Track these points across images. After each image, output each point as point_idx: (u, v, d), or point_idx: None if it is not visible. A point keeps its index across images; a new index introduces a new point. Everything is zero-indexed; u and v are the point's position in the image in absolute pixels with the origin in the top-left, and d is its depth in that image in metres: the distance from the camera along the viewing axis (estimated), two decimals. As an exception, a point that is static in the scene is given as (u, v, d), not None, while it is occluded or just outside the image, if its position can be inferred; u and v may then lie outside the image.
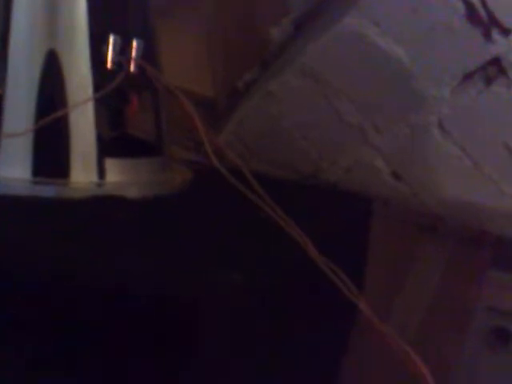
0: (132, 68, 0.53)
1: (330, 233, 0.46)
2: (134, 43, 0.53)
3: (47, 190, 0.49)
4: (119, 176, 0.52)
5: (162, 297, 0.35)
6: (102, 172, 0.51)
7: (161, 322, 0.36)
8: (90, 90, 0.51)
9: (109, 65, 0.52)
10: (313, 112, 0.85)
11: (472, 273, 0.83)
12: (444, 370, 0.77)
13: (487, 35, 0.74)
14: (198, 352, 0.36)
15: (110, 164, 0.52)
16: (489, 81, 0.77)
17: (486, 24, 0.74)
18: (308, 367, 0.49)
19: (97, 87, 0.51)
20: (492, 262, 0.83)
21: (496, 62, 0.76)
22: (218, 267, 0.39)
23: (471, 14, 0.74)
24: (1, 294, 0.39)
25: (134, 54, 0.53)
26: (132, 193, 0.52)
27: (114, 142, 0.55)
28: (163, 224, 0.48)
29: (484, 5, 0.74)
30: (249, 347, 0.40)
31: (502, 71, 0.77)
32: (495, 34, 0.75)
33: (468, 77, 0.77)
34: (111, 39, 0.52)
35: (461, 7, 0.75)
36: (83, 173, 0.51)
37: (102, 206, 0.48)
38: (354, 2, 0.78)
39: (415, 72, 0.78)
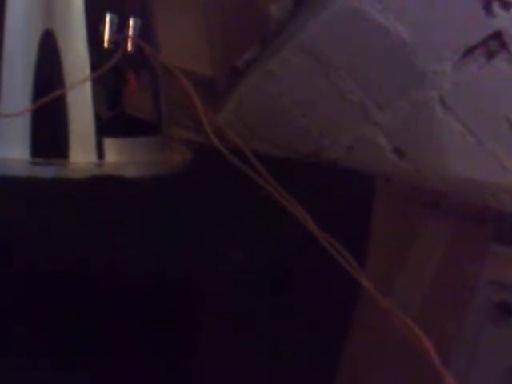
0: (129, 47, 0.52)
1: (331, 210, 0.45)
2: (131, 22, 0.53)
3: (46, 171, 0.49)
4: (118, 156, 0.52)
5: (162, 274, 0.35)
6: (100, 152, 0.51)
7: (160, 300, 0.36)
8: (87, 70, 0.51)
9: (106, 44, 0.52)
10: (313, 90, 0.84)
11: (475, 248, 0.84)
12: (446, 345, 0.78)
13: (488, 9, 0.74)
14: (198, 330, 0.36)
15: (109, 144, 0.52)
16: (490, 55, 0.77)
17: (486, -3, 0.74)
18: (310, 344, 0.50)
19: (94, 67, 0.51)
20: (494, 237, 0.83)
21: (497, 36, 0.76)
22: (217, 245, 0.39)
23: (471, -12, 0.74)
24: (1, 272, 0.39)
25: (130, 32, 0.53)
26: (131, 172, 0.52)
27: (113, 121, 0.55)
28: (162, 203, 0.48)
29: (484, -22, 0.74)
30: (249, 325, 0.40)
31: (504, 45, 0.77)
32: (496, 8, 0.74)
33: (469, 52, 0.77)
34: (108, 18, 0.52)
35: (462, -19, 0.74)
36: (82, 153, 0.50)
37: (102, 185, 0.48)
38: None
39: (416, 48, 0.78)
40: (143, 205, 0.47)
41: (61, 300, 0.38)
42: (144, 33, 0.54)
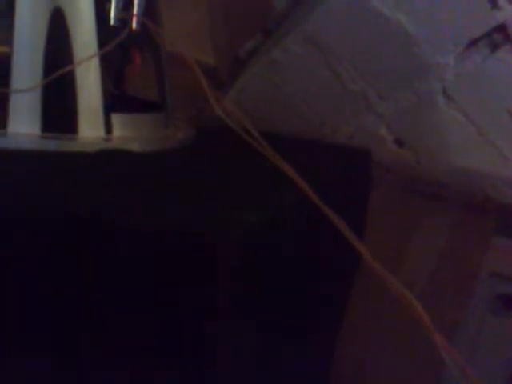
0: (134, 25, 0.56)
1: (329, 182, 0.48)
2: (136, 0, 0.56)
3: (56, 145, 0.52)
4: (124, 131, 0.56)
5: (177, 234, 0.38)
6: (108, 127, 0.54)
7: (177, 260, 0.39)
8: (94, 47, 0.54)
9: (112, 21, 0.55)
10: (315, 79, 0.87)
11: (476, 239, 0.86)
12: (447, 336, 0.80)
13: (493, 1, 0.76)
14: (212, 290, 0.39)
15: (116, 119, 0.55)
16: (494, 48, 0.79)
17: (492, -10, 0.76)
18: (314, 311, 0.53)
19: (101, 44, 0.54)
20: (496, 229, 0.85)
21: (502, 28, 0.78)
22: (229, 207, 0.42)
23: (477, -20, 0.76)
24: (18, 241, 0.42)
25: (136, 10, 0.56)
26: (137, 147, 0.56)
27: (119, 98, 0.58)
28: (170, 173, 0.51)
29: (490, -30, 0.76)
30: (261, 287, 0.43)
31: (508, 38, 0.79)
32: (501, 1, 0.76)
33: (473, 43, 0.79)
34: None
35: (465, -27, 0.77)
36: (90, 128, 0.54)
37: (110, 158, 0.52)
38: None
39: (419, 39, 0.80)
40: (152, 175, 0.50)
41: (77, 261, 0.41)
42: (149, 12, 0.57)
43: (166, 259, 0.39)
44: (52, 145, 0.52)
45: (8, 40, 0.52)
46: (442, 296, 0.86)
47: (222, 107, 0.56)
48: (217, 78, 0.94)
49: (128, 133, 0.56)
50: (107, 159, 0.51)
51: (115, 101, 0.56)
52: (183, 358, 0.40)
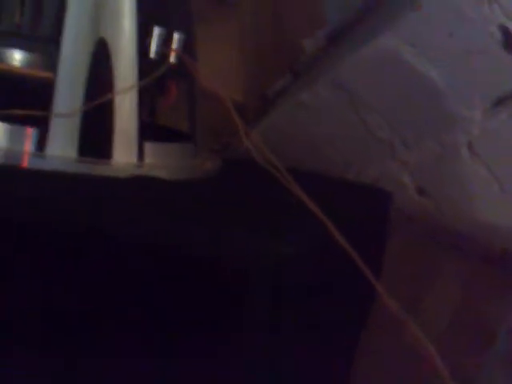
0: (172, 59, 0.60)
1: (349, 220, 0.52)
2: (176, 36, 0.61)
3: (91, 169, 0.57)
4: (155, 159, 0.60)
5: (207, 259, 0.42)
6: (140, 154, 0.59)
7: (204, 285, 0.42)
8: (134, 78, 0.59)
9: (152, 55, 0.60)
10: (342, 123, 0.91)
11: (494, 293, 0.88)
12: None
13: (523, 61, 0.80)
14: (246, 317, 0.43)
15: (149, 147, 0.60)
16: (521, 106, 0.82)
17: (522, 51, 0.80)
18: (331, 341, 0.57)
19: (140, 75, 0.59)
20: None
21: (530, 87, 0.82)
22: (259, 237, 0.46)
23: (508, 41, 0.81)
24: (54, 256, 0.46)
25: (175, 46, 0.61)
26: (167, 175, 0.60)
27: (150, 127, 0.63)
28: (199, 201, 0.55)
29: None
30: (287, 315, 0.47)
31: (535, 98, 0.83)
32: (530, 61, 0.80)
33: (500, 101, 0.83)
34: (155, 31, 0.60)
35: (497, 34, 0.81)
36: (124, 154, 0.58)
37: (142, 184, 0.56)
38: (391, 21, 0.86)
39: (448, 93, 0.85)
40: (181, 202, 0.54)
41: (119, 292, 0.45)
42: (186, 47, 0.62)
43: (194, 284, 0.43)
44: (87, 168, 0.56)
45: (53, 66, 0.57)
46: (458, 350, 0.88)
47: (250, 140, 0.60)
48: (243, 115, 0.99)
49: (158, 161, 0.60)
50: (138, 185, 0.56)
51: (147, 129, 0.60)
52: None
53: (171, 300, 0.44)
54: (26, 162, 0.57)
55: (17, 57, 0.60)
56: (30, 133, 0.57)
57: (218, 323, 0.43)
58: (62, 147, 0.56)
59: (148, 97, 0.62)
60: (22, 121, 0.57)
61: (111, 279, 0.46)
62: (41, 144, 0.57)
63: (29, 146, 0.57)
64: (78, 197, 0.50)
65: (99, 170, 0.57)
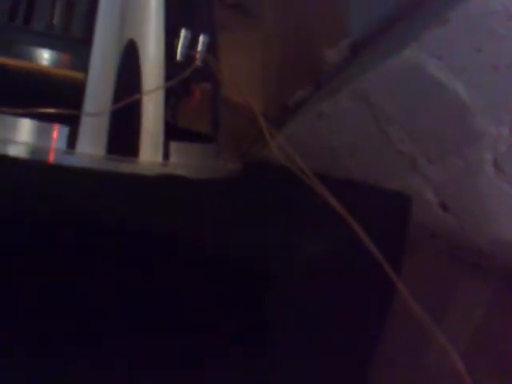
0: (198, 61, 0.66)
1: (371, 222, 0.57)
2: (201, 38, 0.67)
3: (119, 166, 0.62)
4: (180, 158, 0.66)
5: (238, 258, 0.47)
6: (166, 153, 0.64)
7: (236, 284, 0.47)
8: (161, 79, 0.64)
9: (178, 56, 0.65)
10: (363, 135, 0.95)
11: (515, 316, 0.92)
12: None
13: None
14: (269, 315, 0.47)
15: (174, 147, 0.65)
16: (550, 122, 0.86)
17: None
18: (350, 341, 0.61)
19: (167, 77, 0.64)
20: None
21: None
22: (289, 236, 0.51)
23: (538, 56, 0.85)
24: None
25: (200, 48, 0.66)
26: (192, 174, 0.66)
27: (176, 127, 0.68)
28: (229, 201, 0.60)
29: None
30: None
31: None
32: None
33: (528, 117, 0.86)
34: (182, 33, 0.65)
35: (527, 50, 0.84)
36: (150, 153, 0.63)
37: (168, 183, 0.61)
38: (416, 34, 0.90)
39: (473, 108, 0.88)
40: (208, 201, 0.59)
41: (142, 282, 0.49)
42: (210, 51, 0.68)
43: (225, 283, 0.47)
44: (114, 166, 0.62)
45: (83, 66, 0.62)
46: (477, 371, 0.91)
47: (276, 142, 0.65)
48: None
49: (183, 160, 0.66)
50: (165, 183, 0.61)
51: (175, 128, 0.65)
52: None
53: (203, 299, 0.48)
54: (52, 158, 0.62)
55: (48, 56, 0.66)
56: (57, 129, 0.62)
57: (251, 320, 0.47)
58: (91, 145, 0.61)
59: (173, 98, 0.67)
60: (53, 119, 0.62)
61: (141, 277, 0.50)
62: (71, 142, 0.62)
63: (55, 142, 0.62)
64: (106, 193, 0.55)
65: (126, 167, 0.62)
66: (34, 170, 0.60)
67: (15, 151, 0.62)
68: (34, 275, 0.50)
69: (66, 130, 0.62)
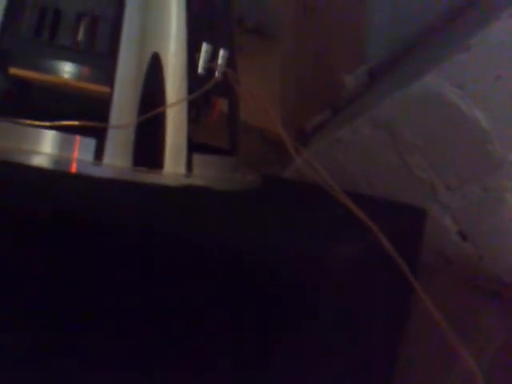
0: (218, 75, 0.72)
1: (390, 232, 0.62)
2: (221, 52, 0.73)
3: (145, 178, 0.67)
4: (202, 170, 0.71)
5: (280, 260, 0.51)
6: (189, 165, 0.70)
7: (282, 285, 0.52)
8: (184, 92, 0.69)
9: (200, 70, 0.71)
10: (381, 162, 1.00)
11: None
12: None
13: None
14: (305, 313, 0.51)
15: (197, 159, 0.70)
16: None
17: None
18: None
19: (189, 90, 0.70)
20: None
21: None
22: (321, 239, 0.56)
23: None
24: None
25: (220, 61, 0.73)
26: (215, 185, 0.71)
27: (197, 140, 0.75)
28: (257, 209, 0.66)
29: None
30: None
31: None
32: None
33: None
34: (204, 47, 0.71)
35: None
36: (174, 165, 0.69)
37: (192, 193, 0.67)
38: (437, 61, 0.95)
39: (494, 136, 0.94)
40: (238, 209, 0.65)
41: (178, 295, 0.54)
42: (229, 65, 0.74)
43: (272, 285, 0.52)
44: (140, 177, 0.67)
45: (108, 80, 0.68)
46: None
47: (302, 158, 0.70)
48: (281, 147, 1.09)
49: (205, 172, 0.71)
50: (191, 193, 0.67)
51: (197, 141, 0.71)
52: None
53: (240, 305, 0.52)
54: (75, 169, 0.67)
55: (73, 70, 0.72)
56: (79, 141, 0.68)
57: (289, 323, 0.52)
58: (117, 157, 0.67)
59: (194, 112, 0.73)
60: (78, 132, 0.67)
61: (171, 284, 0.54)
62: (98, 154, 0.67)
63: (78, 153, 0.68)
64: (134, 202, 0.61)
65: (152, 179, 0.68)
66: (57, 179, 0.65)
67: (40, 161, 0.67)
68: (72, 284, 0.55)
69: (92, 142, 0.67)
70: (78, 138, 0.68)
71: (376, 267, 0.60)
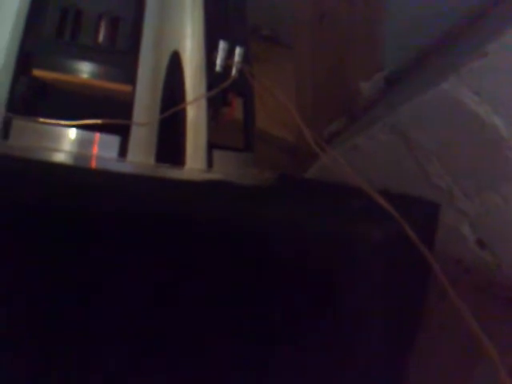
0: (235, 72, 0.78)
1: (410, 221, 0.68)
2: (237, 50, 0.79)
3: (169, 173, 0.73)
4: (222, 166, 0.77)
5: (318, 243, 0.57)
6: (210, 161, 0.76)
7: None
8: (203, 89, 0.76)
9: (218, 67, 0.77)
10: (398, 169, 1.04)
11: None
12: None
13: None
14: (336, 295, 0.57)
15: (217, 155, 0.77)
16: None
17: None
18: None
19: (208, 87, 0.76)
20: None
21: None
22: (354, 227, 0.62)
23: None
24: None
25: (237, 59, 0.79)
26: (237, 180, 0.77)
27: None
28: (283, 199, 0.71)
29: None
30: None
31: None
32: None
33: None
34: (221, 45, 0.77)
35: None
36: (195, 161, 0.74)
37: (216, 187, 0.72)
38: (455, 68, 0.98)
39: (512, 143, 0.96)
40: (267, 199, 0.70)
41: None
42: (245, 61, 0.80)
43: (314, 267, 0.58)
44: (164, 173, 0.73)
45: (129, 78, 0.74)
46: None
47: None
48: (296, 155, 1.15)
49: (225, 168, 0.77)
50: (217, 186, 0.72)
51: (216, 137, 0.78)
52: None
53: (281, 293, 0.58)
54: (94, 164, 0.73)
55: (95, 70, 0.78)
56: (98, 138, 0.73)
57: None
58: (141, 154, 0.73)
59: (212, 109, 0.78)
60: (101, 130, 0.73)
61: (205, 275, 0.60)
62: (122, 151, 0.73)
63: (98, 150, 0.73)
64: (157, 196, 0.67)
65: (175, 174, 0.74)
66: (82, 174, 0.71)
67: (64, 158, 0.74)
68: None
69: (115, 140, 0.73)
70: (101, 136, 0.74)
71: (398, 255, 0.66)
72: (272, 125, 1.10)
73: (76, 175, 0.68)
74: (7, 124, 0.73)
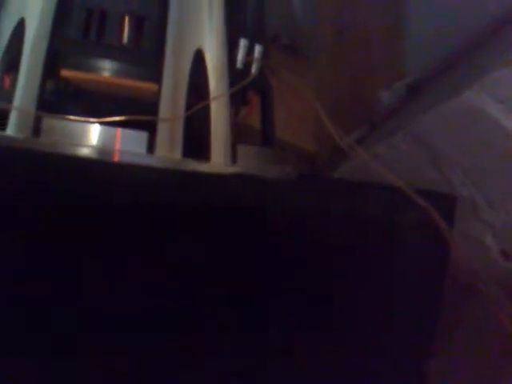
0: (255, 69, 0.84)
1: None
2: (257, 47, 0.86)
3: (197, 167, 0.80)
4: (246, 161, 0.83)
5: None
6: (234, 156, 0.82)
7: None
8: (226, 86, 0.82)
9: (238, 65, 0.84)
10: (421, 178, 1.07)
11: None
12: None
13: None
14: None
15: (241, 150, 0.83)
16: None
17: None
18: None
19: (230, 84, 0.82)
20: None
21: None
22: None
23: None
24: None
25: (256, 56, 0.85)
26: (261, 174, 0.83)
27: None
28: (315, 189, 0.79)
29: None
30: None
31: None
32: None
33: None
34: (242, 42, 0.84)
35: None
36: (220, 156, 0.81)
37: (241, 180, 0.78)
38: (478, 76, 1.02)
39: (538, 153, 0.98)
40: (301, 189, 0.78)
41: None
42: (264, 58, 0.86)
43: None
44: (191, 166, 0.79)
45: (154, 76, 0.80)
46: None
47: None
48: (316, 164, 1.21)
49: (249, 162, 0.83)
50: (246, 180, 0.79)
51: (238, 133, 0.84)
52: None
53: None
54: (117, 158, 0.79)
55: (121, 69, 0.85)
56: (126, 135, 0.80)
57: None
58: (168, 150, 0.79)
59: (233, 106, 0.84)
60: (134, 128, 0.79)
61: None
62: (151, 147, 0.80)
63: (120, 144, 0.79)
64: (183, 190, 0.73)
65: (203, 168, 0.80)
66: (111, 168, 0.77)
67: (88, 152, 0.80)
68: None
69: (144, 136, 0.80)
70: (130, 132, 0.80)
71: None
72: (291, 133, 1.15)
73: (109, 169, 0.75)
74: (38, 122, 0.78)
